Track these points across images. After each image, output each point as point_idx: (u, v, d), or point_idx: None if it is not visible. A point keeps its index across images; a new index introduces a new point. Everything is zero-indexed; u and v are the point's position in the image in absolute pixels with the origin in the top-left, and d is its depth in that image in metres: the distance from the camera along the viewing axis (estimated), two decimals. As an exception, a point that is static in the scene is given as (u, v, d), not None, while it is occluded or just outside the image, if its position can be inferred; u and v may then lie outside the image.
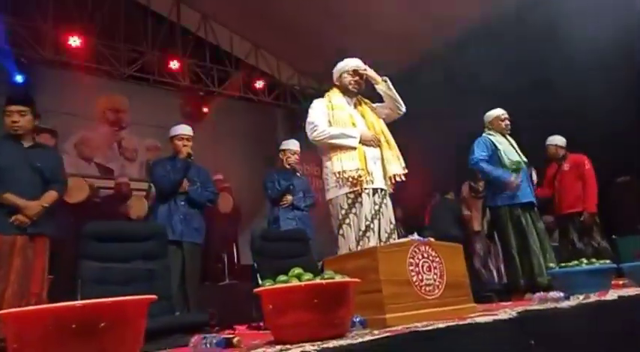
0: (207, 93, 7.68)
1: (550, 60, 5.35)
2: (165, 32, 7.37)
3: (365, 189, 2.68)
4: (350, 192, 2.69)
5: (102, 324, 1.08)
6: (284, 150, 4.52)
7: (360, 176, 2.65)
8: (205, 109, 7.51)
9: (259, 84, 8.21)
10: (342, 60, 3.01)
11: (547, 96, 5.26)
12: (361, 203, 2.67)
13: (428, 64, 7.51)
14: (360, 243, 2.62)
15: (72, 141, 6.45)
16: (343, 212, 2.70)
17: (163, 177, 3.71)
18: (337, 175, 2.69)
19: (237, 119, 7.94)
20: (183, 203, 3.70)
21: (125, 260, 2.37)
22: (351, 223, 2.68)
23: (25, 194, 2.89)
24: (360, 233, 2.65)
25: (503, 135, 3.89)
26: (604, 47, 4.74)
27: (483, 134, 3.92)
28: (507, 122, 3.90)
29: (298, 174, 4.54)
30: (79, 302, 1.08)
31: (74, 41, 6.35)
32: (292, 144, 4.52)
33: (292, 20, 7.03)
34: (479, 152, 3.76)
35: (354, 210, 2.68)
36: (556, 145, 4.80)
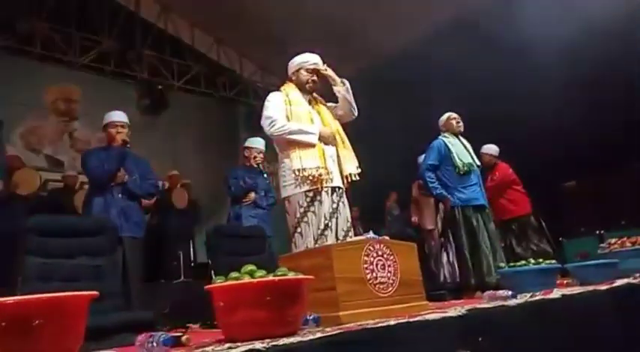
0: (167, 86, 7.47)
1: (502, 68, 5.53)
2: (123, 22, 7.12)
3: (324, 187, 2.65)
4: (309, 191, 2.64)
5: (36, 322, 1.02)
6: (249, 148, 4.45)
7: (320, 175, 2.62)
8: (164, 103, 7.29)
9: (220, 79, 8.07)
10: (300, 54, 2.92)
11: (497, 103, 5.44)
12: (320, 201, 2.64)
13: (390, 63, 7.65)
14: (319, 242, 2.59)
15: (18, 131, 6.12)
16: (302, 210, 2.65)
17: (97, 168, 3.42)
18: (297, 173, 2.63)
19: (197, 114, 7.79)
20: (120, 196, 3.44)
21: (70, 256, 2.26)
22: (310, 222, 2.64)
23: None
24: (319, 232, 2.62)
25: (457, 136, 3.99)
26: (556, 54, 4.95)
27: (439, 137, 4.01)
28: (459, 122, 4.00)
29: (265, 175, 4.48)
30: (10, 298, 1.01)
31: (23, 26, 6.03)
32: (258, 143, 4.45)
33: (255, 16, 6.95)
34: (431, 159, 3.87)
35: (312, 209, 2.64)
36: (490, 154, 4.95)
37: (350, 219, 2.81)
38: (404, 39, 7.07)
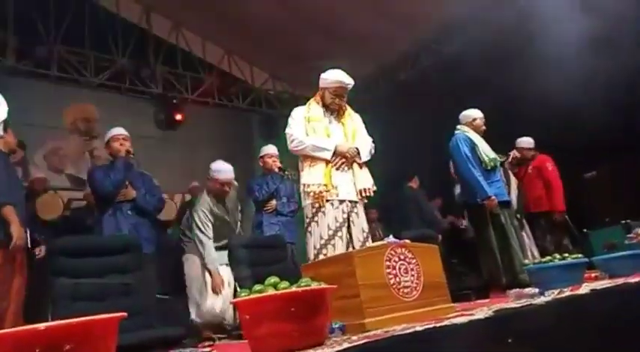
0: (181, 100, 7.58)
1: (520, 59, 5.46)
2: (135, 40, 7.25)
3: (328, 200, 2.80)
4: (314, 202, 2.82)
5: (67, 347, 1.04)
6: (263, 156, 4.52)
7: (321, 191, 2.78)
8: (179, 117, 7.39)
9: (233, 90, 8.15)
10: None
11: (515, 95, 5.37)
12: (324, 213, 2.80)
13: (403, 64, 7.63)
14: (323, 251, 2.72)
15: (41, 153, 6.28)
16: (307, 220, 2.86)
17: (104, 180, 3.43)
18: (303, 187, 2.86)
19: (213, 126, 7.87)
20: (130, 212, 3.48)
21: (99, 275, 2.31)
22: (313, 231, 2.81)
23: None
24: (323, 241, 2.75)
25: (478, 134, 3.94)
26: (575, 44, 4.86)
27: (457, 132, 3.94)
28: (484, 123, 3.95)
29: (287, 174, 4.43)
30: (41, 325, 1.04)
31: (41, 50, 6.19)
32: (270, 149, 4.52)
33: (264, 25, 7.00)
34: (467, 151, 3.71)
35: (316, 219, 2.81)
36: (526, 148, 4.93)
37: (366, 229, 2.92)
38: (416, 37, 7.04)
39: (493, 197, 3.59)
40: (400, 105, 7.18)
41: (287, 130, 2.97)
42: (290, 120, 3.00)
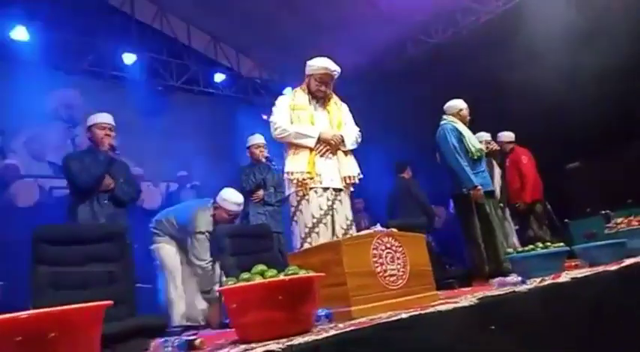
0: (166, 87, 7.46)
1: (506, 50, 5.50)
2: (118, 24, 7.09)
3: (312, 188, 2.79)
4: (298, 190, 2.81)
5: (51, 334, 1.03)
6: (251, 146, 4.50)
7: (304, 179, 2.77)
8: (164, 104, 7.28)
9: (219, 77, 8.05)
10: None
11: (498, 86, 5.42)
12: (308, 201, 2.79)
13: (389, 52, 7.63)
14: (308, 240, 2.72)
15: (21, 140, 6.14)
16: (293, 209, 2.85)
17: (82, 173, 3.28)
18: (287, 175, 2.84)
19: (198, 113, 7.77)
20: (107, 202, 3.34)
21: (81, 263, 2.28)
22: (298, 220, 2.81)
23: None
24: (307, 230, 2.75)
25: (464, 124, 3.96)
26: (561, 36, 4.91)
27: (444, 122, 3.95)
28: (468, 113, 3.98)
29: (273, 164, 4.41)
30: (24, 313, 1.02)
31: (20, 33, 6.02)
32: (258, 139, 4.51)
33: (251, 13, 6.92)
34: (454, 141, 3.72)
35: (300, 207, 2.81)
36: (506, 141, 5.05)
37: (350, 217, 2.91)
38: (404, 26, 7.02)
39: (479, 187, 3.63)
40: (387, 95, 7.19)
41: (270, 118, 2.95)
42: (274, 108, 2.98)
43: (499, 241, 3.58)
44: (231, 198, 3.53)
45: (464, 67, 5.79)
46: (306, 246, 2.67)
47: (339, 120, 2.99)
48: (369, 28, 6.75)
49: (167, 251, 3.74)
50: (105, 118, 3.51)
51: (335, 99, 3.07)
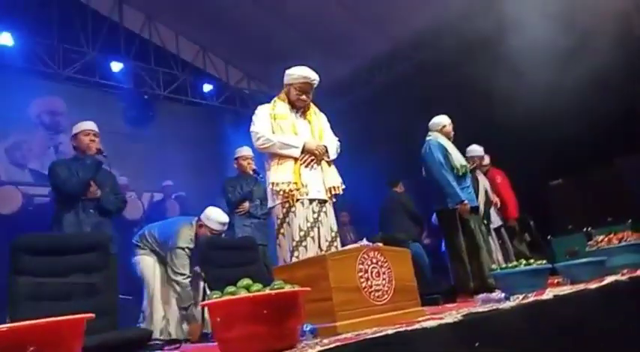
0: (153, 96, 7.43)
1: (492, 67, 5.60)
2: (106, 32, 7.06)
3: (298, 199, 2.72)
4: (284, 202, 2.73)
5: (31, 348, 1.01)
6: (238, 158, 4.48)
7: (291, 190, 2.70)
8: (150, 113, 7.24)
9: (207, 87, 8.05)
10: (292, 65, 2.94)
11: (486, 101, 5.50)
12: (294, 213, 2.71)
13: (377, 65, 7.71)
14: (295, 253, 2.65)
15: (3, 146, 6.03)
16: (279, 222, 2.77)
17: (70, 178, 3.26)
18: (271, 185, 2.75)
19: (185, 123, 7.74)
20: (92, 211, 3.32)
21: (63, 274, 2.22)
22: (285, 233, 2.74)
23: None
24: (294, 243, 2.68)
25: (449, 140, 4.01)
26: (544, 54, 5.02)
27: (429, 138, 3.99)
28: (451, 129, 4.03)
29: (260, 177, 4.36)
30: (4, 326, 1.00)
31: (5, 38, 5.95)
32: (246, 151, 4.49)
33: (240, 23, 6.95)
34: (441, 157, 3.77)
35: (287, 220, 2.73)
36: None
37: (335, 229, 2.85)
38: (392, 40, 7.12)
39: (466, 202, 3.67)
40: (374, 109, 7.26)
41: (252, 128, 2.84)
42: (254, 117, 2.89)
43: (484, 257, 3.60)
44: (215, 217, 3.49)
45: (450, 82, 5.88)
46: (294, 259, 2.63)
47: (320, 130, 2.95)
48: (358, 41, 6.83)
49: (147, 263, 3.71)
50: (89, 125, 3.51)
51: (314, 108, 3.02)
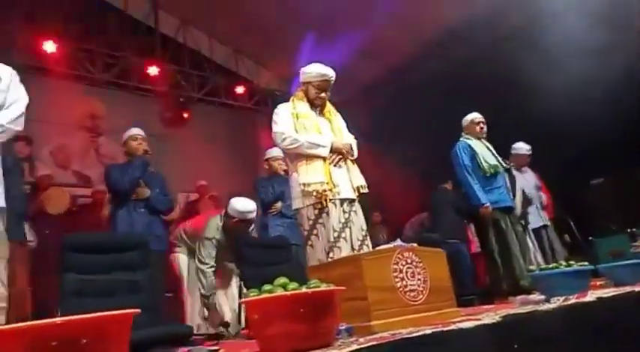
0: (187, 98, 7.60)
1: (524, 63, 5.46)
2: (142, 37, 7.27)
3: (331, 200, 2.67)
4: (316, 203, 2.67)
5: (84, 341, 1.06)
6: (269, 159, 4.53)
7: (324, 190, 2.64)
8: (185, 115, 7.41)
9: (239, 89, 8.17)
10: (310, 63, 2.91)
11: (523, 99, 5.37)
12: (328, 214, 2.66)
13: (409, 66, 7.63)
14: (330, 254, 2.61)
15: (48, 149, 6.31)
16: (310, 222, 2.69)
17: (120, 178, 3.54)
18: (302, 187, 2.67)
19: (218, 125, 7.89)
20: (143, 210, 3.56)
21: (106, 271, 2.32)
22: (319, 234, 2.67)
23: None
24: (329, 244, 2.63)
25: (479, 139, 3.94)
26: (580, 50, 4.86)
27: (460, 140, 3.97)
28: (482, 126, 3.95)
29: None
30: (58, 319, 1.06)
31: (49, 46, 6.22)
32: (276, 151, 4.52)
33: (272, 25, 7.02)
34: (465, 160, 3.78)
35: (320, 221, 2.67)
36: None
37: (365, 228, 2.82)
38: (420, 39, 7.04)
39: (487, 204, 3.63)
40: (407, 108, 7.19)
41: (275, 129, 2.77)
42: (275, 117, 2.82)
43: (515, 258, 3.53)
44: (235, 205, 3.55)
45: (484, 79, 5.76)
46: (329, 260, 2.62)
47: (339, 128, 2.91)
48: (389, 40, 6.78)
49: (182, 260, 3.84)
50: (136, 131, 3.80)
51: (329, 106, 2.97)
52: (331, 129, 2.86)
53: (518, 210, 4.43)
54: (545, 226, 4.86)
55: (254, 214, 3.65)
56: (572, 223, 4.88)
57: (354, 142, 2.91)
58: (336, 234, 2.66)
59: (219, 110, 8.10)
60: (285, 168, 4.41)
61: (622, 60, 4.78)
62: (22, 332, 1.07)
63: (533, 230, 4.80)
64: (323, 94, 2.86)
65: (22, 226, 3.05)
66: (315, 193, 2.64)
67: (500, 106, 4.95)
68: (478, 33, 6.48)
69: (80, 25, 6.69)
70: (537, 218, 4.83)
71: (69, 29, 6.56)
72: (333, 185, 2.68)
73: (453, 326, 1.67)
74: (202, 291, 3.55)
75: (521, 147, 4.91)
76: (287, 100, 3.00)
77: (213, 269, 3.57)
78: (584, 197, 5.31)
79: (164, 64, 7.39)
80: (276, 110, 2.86)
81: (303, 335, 1.47)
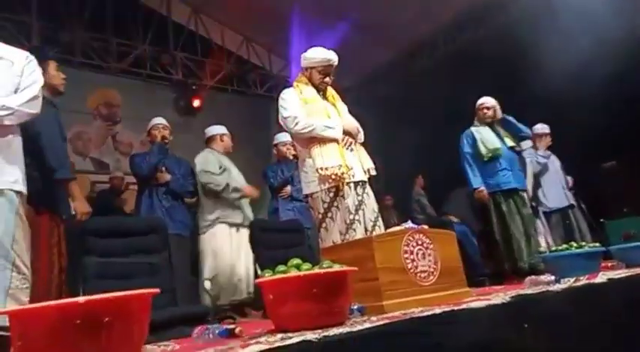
0: (200, 86, 7.65)
1: (535, 47, 5.38)
2: (155, 26, 7.31)
3: (348, 183, 2.68)
4: (332, 187, 2.67)
5: (106, 319, 1.11)
6: (277, 144, 4.58)
7: (342, 173, 2.63)
8: (198, 103, 7.47)
9: (251, 76, 8.19)
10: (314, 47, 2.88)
11: (534, 83, 5.31)
12: (343, 196, 2.66)
13: (419, 51, 7.56)
14: (346, 236, 2.62)
15: (67, 137, 6.42)
16: (325, 205, 2.68)
17: (141, 163, 3.77)
18: (319, 171, 2.65)
19: (231, 112, 7.92)
20: (165, 195, 3.74)
21: (125, 254, 2.40)
22: (334, 217, 2.67)
23: None
24: (345, 226, 2.64)
25: (488, 124, 3.92)
26: (592, 33, 4.78)
27: (470, 128, 3.98)
28: (486, 111, 3.91)
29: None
30: (81, 298, 1.11)
31: (63, 35, 6.29)
32: (284, 137, 4.57)
33: (282, 13, 7.00)
34: (466, 147, 3.92)
35: (335, 204, 2.67)
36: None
37: (376, 210, 2.83)
38: (431, 25, 6.98)
39: (480, 188, 3.74)
40: (417, 94, 7.15)
41: (284, 114, 2.74)
42: (282, 103, 2.79)
43: (515, 240, 3.57)
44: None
45: (494, 65, 5.70)
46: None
47: (342, 111, 2.91)
48: (401, 26, 6.72)
49: (213, 234, 3.90)
50: (158, 120, 4.04)
51: (331, 90, 2.96)
52: (337, 114, 2.86)
53: (529, 193, 4.41)
54: (571, 206, 4.86)
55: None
56: (583, 206, 4.85)
57: (359, 125, 2.91)
58: (352, 217, 2.67)
59: (232, 97, 8.14)
60: (294, 152, 4.45)
61: (636, 42, 4.70)
62: (47, 311, 1.13)
63: (559, 210, 4.81)
64: (327, 79, 2.86)
65: (67, 202, 3.03)
66: (333, 176, 2.62)
67: (511, 88, 4.90)
68: (493, 12, 6.40)
69: (94, 14, 6.75)
70: (563, 198, 4.83)
71: (84, 19, 6.63)
72: (347, 168, 2.67)
73: (463, 306, 1.70)
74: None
75: (535, 128, 4.89)
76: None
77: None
78: (596, 180, 5.27)
79: (177, 52, 7.44)
80: (282, 95, 2.84)
81: (316, 314, 1.52)
